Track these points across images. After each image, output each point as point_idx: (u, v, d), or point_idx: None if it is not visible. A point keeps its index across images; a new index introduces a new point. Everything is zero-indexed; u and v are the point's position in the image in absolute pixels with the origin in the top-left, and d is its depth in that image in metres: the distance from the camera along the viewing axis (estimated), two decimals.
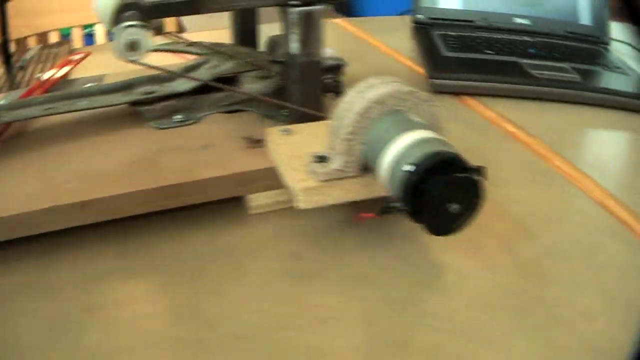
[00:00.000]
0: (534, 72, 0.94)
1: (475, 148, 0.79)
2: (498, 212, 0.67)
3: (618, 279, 0.59)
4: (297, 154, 0.61)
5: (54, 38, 1.48)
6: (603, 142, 0.88)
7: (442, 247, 0.61)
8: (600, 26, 1.12)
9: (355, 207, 0.60)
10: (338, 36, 1.23)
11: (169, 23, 1.43)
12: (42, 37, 1.45)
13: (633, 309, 0.54)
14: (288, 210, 0.63)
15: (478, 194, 0.49)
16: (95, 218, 0.60)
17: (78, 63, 0.96)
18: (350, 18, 1.31)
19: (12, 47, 1.16)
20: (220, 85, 0.72)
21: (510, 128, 0.84)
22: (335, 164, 0.57)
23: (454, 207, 0.49)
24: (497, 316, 0.53)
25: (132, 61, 0.57)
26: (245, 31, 0.85)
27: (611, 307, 0.55)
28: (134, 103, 0.75)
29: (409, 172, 0.49)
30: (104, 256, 0.60)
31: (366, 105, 0.55)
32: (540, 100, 0.94)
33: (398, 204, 0.50)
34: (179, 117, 0.74)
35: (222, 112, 0.76)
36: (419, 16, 1.10)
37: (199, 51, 0.82)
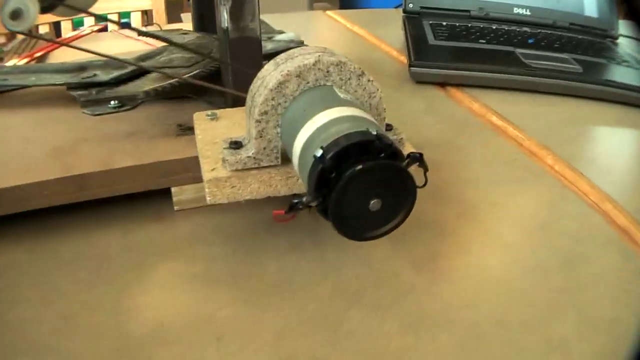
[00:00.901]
0: (530, 61, 0.80)
1: (451, 142, 0.67)
2: (466, 215, 0.55)
3: (604, 300, 0.45)
4: (216, 140, 0.49)
5: (66, 26, 1.39)
6: (603, 138, 0.74)
7: (385, 255, 0.49)
8: (607, 19, 0.98)
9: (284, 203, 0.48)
10: (326, 27, 1.12)
11: None
12: (56, 25, 1.36)
13: (617, 337, 0.41)
14: (218, 207, 0.51)
15: (406, 187, 0.37)
16: (5, 210, 0.51)
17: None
18: (345, 10, 1.18)
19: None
20: (150, 67, 0.60)
21: (497, 121, 0.71)
22: (248, 150, 0.45)
23: (374, 204, 0.36)
24: (442, 344, 0.41)
25: (17, 32, 0.47)
26: (203, 16, 0.73)
27: (591, 337, 0.42)
28: (72, 87, 0.64)
29: (316, 158, 0.36)
30: (11, 252, 0.50)
31: (281, 79, 0.42)
32: (536, 93, 0.81)
33: (306, 199, 0.37)
34: (114, 103, 0.62)
35: (163, 99, 0.64)
36: (410, 5, 0.96)
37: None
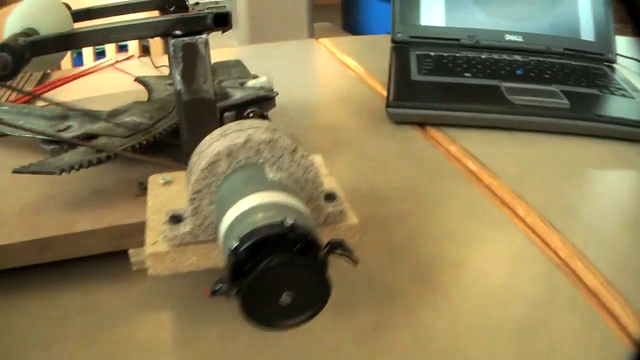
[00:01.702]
0: (514, 97, 0.77)
1: (421, 192, 0.65)
2: (419, 278, 0.53)
3: None
4: (164, 208, 0.48)
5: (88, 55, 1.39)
6: (586, 182, 0.70)
7: (327, 325, 0.48)
8: (604, 42, 0.94)
9: None
10: (317, 56, 1.10)
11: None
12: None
13: None
14: None
15: (320, 281, 0.35)
16: None
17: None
18: (336, 38, 1.17)
19: None
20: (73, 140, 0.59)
21: (472, 167, 0.68)
22: (185, 226, 0.44)
23: (285, 298, 0.35)
24: None
25: None
26: None
27: None
28: (44, 142, 0.64)
29: (231, 250, 0.35)
30: None
31: (210, 160, 0.41)
32: (519, 131, 0.77)
33: (223, 287, 0.36)
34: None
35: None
36: (398, 35, 0.94)
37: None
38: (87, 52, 1.36)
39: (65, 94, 0.95)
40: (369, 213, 0.61)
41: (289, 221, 0.36)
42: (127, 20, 0.52)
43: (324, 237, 0.46)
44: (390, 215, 0.61)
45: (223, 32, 0.50)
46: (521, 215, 0.60)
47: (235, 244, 0.36)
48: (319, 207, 0.45)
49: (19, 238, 0.52)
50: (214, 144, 0.43)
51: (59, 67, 1.08)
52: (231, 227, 0.38)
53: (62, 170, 0.56)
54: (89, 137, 0.64)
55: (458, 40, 0.93)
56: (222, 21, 0.52)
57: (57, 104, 0.56)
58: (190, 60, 0.52)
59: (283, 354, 0.45)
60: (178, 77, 0.53)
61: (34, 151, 0.65)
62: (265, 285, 0.35)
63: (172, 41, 0.52)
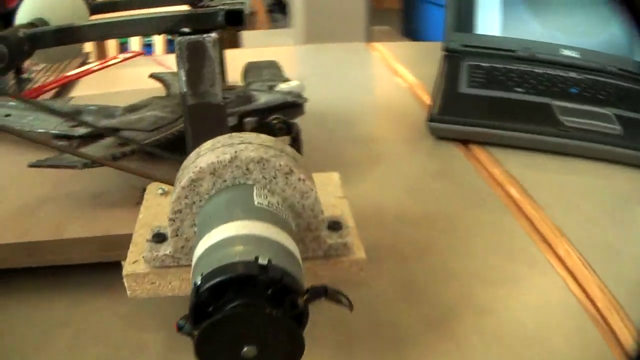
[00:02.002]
0: (565, 118, 0.69)
1: (454, 220, 0.58)
2: (437, 323, 0.46)
3: None
4: (154, 222, 0.43)
5: (112, 47, 1.37)
6: (635, 220, 0.60)
7: None
8: None
9: None
10: (365, 61, 1.04)
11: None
12: (100, 46, 1.34)
13: None
14: None
15: (292, 339, 0.29)
16: None
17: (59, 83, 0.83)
18: (390, 43, 1.10)
19: None
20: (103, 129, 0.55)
21: (515, 194, 0.61)
22: (167, 248, 0.39)
23: (248, 351, 0.29)
24: None
25: None
26: None
27: None
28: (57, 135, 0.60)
29: (195, 287, 0.30)
30: None
31: (193, 177, 0.36)
32: (568, 156, 0.69)
33: (187, 327, 0.31)
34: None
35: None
36: (451, 43, 0.87)
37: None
38: (134, 41, 1.32)
39: (76, 91, 0.92)
40: (390, 241, 0.54)
41: (263, 260, 0.30)
42: (131, 16, 0.47)
43: (325, 271, 0.40)
44: (415, 244, 0.54)
45: (237, 31, 0.44)
46: (561, 255, 0.52)
47: (198, 282, 0.30)
48: (319, 237, 0.39)
49: (8, 239, 0.48)
50: (199, 159, 0.38)
51: (83, 58, 1.04)
52: (199, 259, 0.33)
53: (85, 165, 0.52)
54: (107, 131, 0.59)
55: (513, 51, 0.85)
56: (235, 19, 0.47)
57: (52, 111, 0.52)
58: (196, 61, 0.47)
59: None
60: (183, 79, 0.47)
61: (32, 148, 0.61)
62: (225, 333, 0.30)
63: (177, 39, 0.47)
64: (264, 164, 0.36)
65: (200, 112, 0.49)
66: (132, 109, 0.63)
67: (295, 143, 0.62)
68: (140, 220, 0.45)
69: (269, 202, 0.36)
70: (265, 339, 0.30)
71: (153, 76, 0.75)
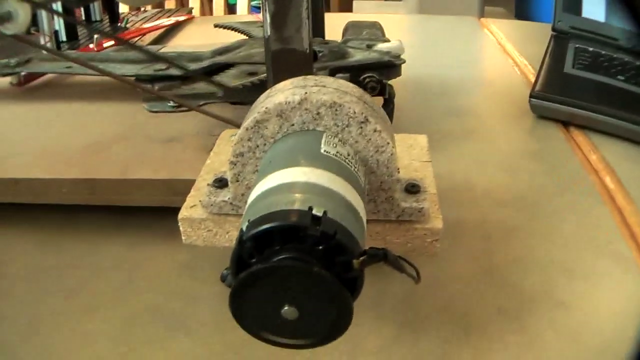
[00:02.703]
0: None
1: (544, 204, 0.51)
2: (511, 313, 0.40)
3: None
4: (218, 169, 0.40)
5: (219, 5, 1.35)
6: None
7: (378, 345, 0.37)
8: None
9: None
10: (472, 36, 0.97)
11: None
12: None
13: None
14: None
15: (339, 306, 0.25)
16: (26, 198, 0.48)
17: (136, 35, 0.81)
18: (501, 20, 1.02)
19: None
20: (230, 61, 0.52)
21: (609, 183, 0.54)
22: (226, 194, 0.35)
23: (289, 312, 0.25)
24: None
25: (11, 35, 0.42)
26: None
27: None
28: (138, 80, 0.58)
29: (240, 234, 0.26)
30: (20, 239, 0.48)
31: (258, 117, 0.32)
32: None
33: (229, 279, 0.27)
34: (172, 102, 0.55)
35: (230, 102, 0.56)
36: (559, 23, 0.79)
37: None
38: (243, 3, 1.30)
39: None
40: (476, 218, 0.49)
41: (318, 211, 0.26)
42: None
43: (396, 237, 0.36)
44: (499, 226, 0.48)
45: None
46: None
47: (244, 229, 0.26)
48: (393, 199, 0.35)
49: (72, 175, 0.47)
50: (268, 99, 0.33)
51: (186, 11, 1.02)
52: (251, 205, 0.29)
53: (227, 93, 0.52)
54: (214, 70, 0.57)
55: (616, 39, 0.76)
56: None
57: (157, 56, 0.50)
58: (282, 3, 0.42)
59: None
60: (268, 22, 0.43)
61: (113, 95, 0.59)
62: (264, 288, 0.25)
63: None
64: (336, 110, 0.32)
65: (283, 58, 0.45)
66: (223, 51, 0.60)
67: (388, 105, 0.57)
68: (207, 166, 0.41)
69: (337, 152, 0.31)
70: (309, 302, 0.25)
71: (218, 26, 0.71)
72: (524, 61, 0.82)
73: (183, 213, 0.37)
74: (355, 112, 0.32)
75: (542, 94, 0.64)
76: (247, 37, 0.64)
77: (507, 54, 0.87)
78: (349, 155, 0.32)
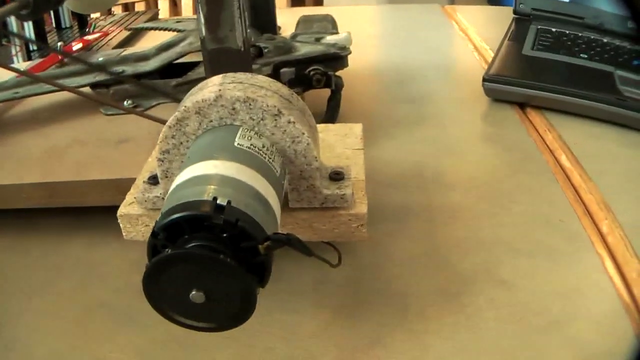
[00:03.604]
0: (625, 88, 0.62)
1: (496, 185, 0.53)
2: (450, 291, 0.41)
3: None
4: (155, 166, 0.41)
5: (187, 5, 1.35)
6: None
7: (316, 329, 0.39)
8: None
9: None
10: (434, 23, 0.98)
11: None
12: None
13: None
14: None
15: (242, 291, 0.27)
16: None
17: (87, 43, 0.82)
18: (464, 6, 1.03)
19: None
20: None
21: (565, 162, 0.55)
22: (158, 190, 0.37)
23: (196, 296, 0.27)
24: None
25: None
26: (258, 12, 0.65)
27: None
28: (93, 86, 0.59)
29: (154, 226, 0.28)
30: None
31: (179, 115, 0.34)
32: (630, 129, 0.61)
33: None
34: (128, 102, 0.57)
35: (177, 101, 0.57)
36: (521, 5, 0.80)
37: (182, 27, 0.65)
38: None
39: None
40: (422, 202, 0.50)
41: (222, 201, 0.27)
42: None
43: (322, 224, 0.37)
44: (447, 207, 0.50)
45: None
46: (604, 232, 0.46)
47: (157, 221, 0.28)
48: (314, 187, 0.36)
49: (31, 179, 0.49)
50: (188, 98, 0.35)
51: (153, 13, 1.04)
52: (167, 199, 0.30)
53: None
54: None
55: (582, 18, 0.77)
56: None
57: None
58: (215, 4, 0.44)
59: (248, 354, 0.37)
60: (202, 23, 0.45)
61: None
62: (174, 274, 0.27)
63: None
64: (250, 104, 0.33)
65: (220, 57, 0.46)
66: (166, 46, 0.61)
67: (335, 96, 0.58)
68: (148, 164, 0.43)
69: (251, 144, 0.33)
70: (216, 287, 0.27)
71: (145, 28, 0.72)
72: (484, 45, 0.83)
73: (122, 210, 0.39)
74: (268, 106, 0.33)
75: (496, 76, 0.65)
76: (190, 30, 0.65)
77: (469, 40, 0.88)
78: (263, 146, 0.33)
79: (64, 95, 0.62)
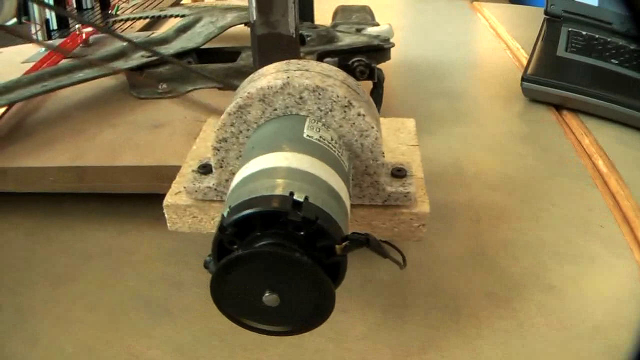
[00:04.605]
0: None
1: (535, 187, 0.51)
2: (499, 297, 0.40)
3: None
4: (204, 154, 0.39)
5: None
6: None
7: (363, 331, 0.37)
8: None
9: None
10: (464, 20, 0.97)
11: None
12: None
13: None
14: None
15: (320, 292, 0.24)
16: (14, 187, 0.47)
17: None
18: (493, 3, 1.01)
19: None
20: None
21: (602, 167, 0.53)
22: (210, 180, 0.35)
23: (270, 298, 0.25)
24: None
25: None
26: None
27: None
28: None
29: (221, 220, 0.25)
30: (12, 231, 0.47)
31: (241, 102, 0.31)
32: None
33: (211, 266, 0.27)
34: (163, 86, 0.55)
35: (217, 88, 0.55)
36: (552, 7, 0.78)
37: (181, 13, 0.62)
38: None
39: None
40: (465, 201, 0.48)
41: (299, 197, 0.25)
42: None
43: (382, 222, 0.35)
44: (490, 208, 0.48)
45: None
46: None
47: (225, 215, 0.26)
48: (378, 183, 0.34)
49: (59, 162, 0.46)
50: (250, 84, 0.33)
51: None
52: (232, 191, 0.28)
53: None
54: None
55: (610, 24, 0.75)
56: None
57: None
58: None
59: (297, 355, 0.35)
60: (254, 6, 0.42)
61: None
62: (245, 275, 0.25)
63: None
64: (319, 94, 0.31)
65: (269, 42, 0.44)
66: (184, 28, 0.59)
67: (377, 89, 0.56)
68: (193, 152, 0.41)
69: (320, 137, 0.31)
70: (290, 288, 0.25)
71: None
72: (516, 44, 0.81)
73: (168, 200, 0.36)
74: (338, 96, 0.31)
75: (535, 77, 0.63)
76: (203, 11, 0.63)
77: (499, 37, 0.86)
78: (332, 139, 0.31)
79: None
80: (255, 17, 0.43)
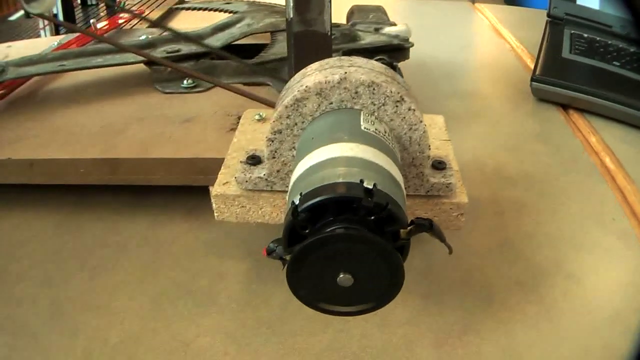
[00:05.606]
0: None
1: (550, 182, 0.53)
2: (527, 284, 0.42)
3: None
4: (249, 146, 0.41)
5: None
6: None
7: (405, 317, 0.39)
8: None
9: None
10: (467, 21, 0.99)
11: None
12: None
13: None
14: None
15: (391, 271, 0.26)
16: (42, 179, 0.48)
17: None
18: (494, 5, 1.04)
19: None
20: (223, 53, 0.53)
21: (609, 164, 0.56)
22: (261, 170, 0.36)
23: (344, 279, 0.26)
24: None
25: (36, 14, 0.42)
26: None
27: None
28: (148, 63, 0.58)
29: (292, 207, 0.27)
30: (41, 222, 0.48)
31: (298, 95, 0.33)
32: None
33: (279, 250, 0.28)
34: (188, 82, 0.56)
35: (242, 83, 0.57)
36: (554, 9, 0.81)
37: (233, 9, 0.64)
38: None
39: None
40: (488, 196, 0.51)
41: (368, 184, 0.27)
42: None
43: (425, 211, 0.37)
44: (511, 203, 0.50)
45: None
46: None
47: (296, 202, 0.28)
48: (423, 174, 0.36)
49: (91, 154, 0.47)
50: (305, 79, 0.35)
51: None
52: (300, 179, 0.30)
53: None
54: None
55: (610, 26, 0.78)
56: None
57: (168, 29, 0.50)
58: None
59: (346, 339, 0.37)
60: (291, 5, 0.44)
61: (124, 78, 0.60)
62: (321, 258, 0.27)
63: None
64: (374, 89, 0.33)
65: (306, 39, 0.46)
66: (222, 27, 0.61)
67: None
68: (235, 144, 0.42)
69: (376, 129, 0.32)
70: (363, 269, 0.27)
71: (192, 8, 0.71)
72: (520, 45, 0.84)
73: (217, 190, 0.38)
74: (392, 92, 0.33)
75: (543, 77, 0.66)
76: (245, 11, 0.65)
77: (503, 38, 0.89)
78: (385, 132, 0.33)
79: (109, 71, 0.60)
80: (292, 15, 0.45)
